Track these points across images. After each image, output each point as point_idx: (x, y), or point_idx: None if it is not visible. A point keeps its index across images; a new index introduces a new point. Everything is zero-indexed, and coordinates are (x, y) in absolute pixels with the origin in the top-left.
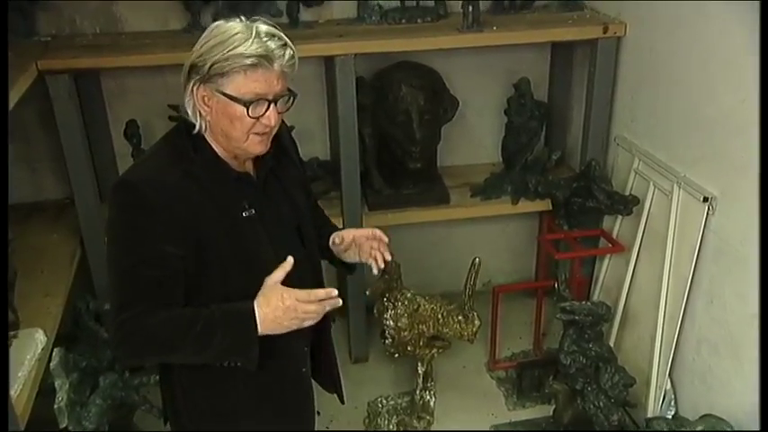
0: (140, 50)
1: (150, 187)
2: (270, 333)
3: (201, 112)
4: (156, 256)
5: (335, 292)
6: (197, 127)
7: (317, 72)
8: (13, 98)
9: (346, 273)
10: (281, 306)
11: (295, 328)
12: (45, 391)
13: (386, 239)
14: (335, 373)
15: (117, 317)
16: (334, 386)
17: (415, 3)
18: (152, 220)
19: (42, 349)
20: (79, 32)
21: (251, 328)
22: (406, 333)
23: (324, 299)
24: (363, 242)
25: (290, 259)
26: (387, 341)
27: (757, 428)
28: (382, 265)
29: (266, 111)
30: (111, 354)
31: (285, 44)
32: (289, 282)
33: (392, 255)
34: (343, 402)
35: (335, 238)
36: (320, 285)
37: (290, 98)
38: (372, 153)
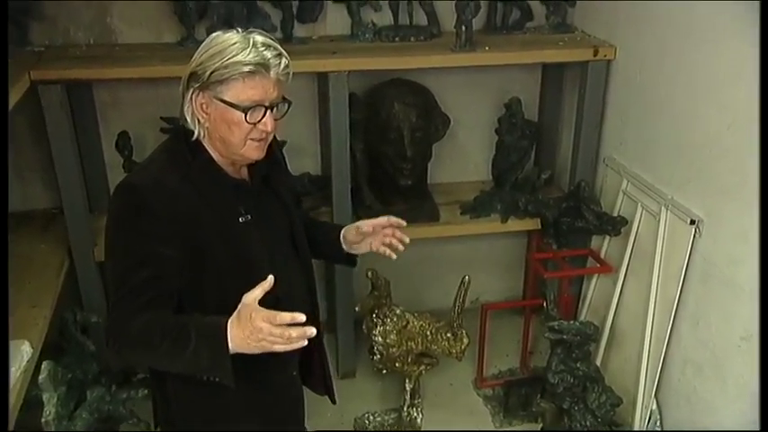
0: (134, 62)
1: (150, 190)
2: (242, 352)
3: (200, 119)
4: (152, 258)
5: (302, 317)
6: (195, 133)
7: (309, 88)
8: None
9: (349, 266)
10: (249, 326)
11: (265, 351)
12: (29, 402)
13: (403, 223)
14: (326, 374)
15: (108, 317)
16: (325, 387)
17: (408, 21)
18: (150, 222)
19: (28, 361)
20: (73, 43)
21: (222, 346)
22: (394, 349)
23: (290, 323)
24: (378, 231)
25: (271, 278)
26: (375, 357)
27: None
28: (401, 248)
29: (263, 117)
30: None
31: (280, 54)
32: (282, 287)
33: (378, 272)
34: (334, 402)
35: (352, 230)
36: (312, 291)
37: (285, 105)
38: (363, 169)
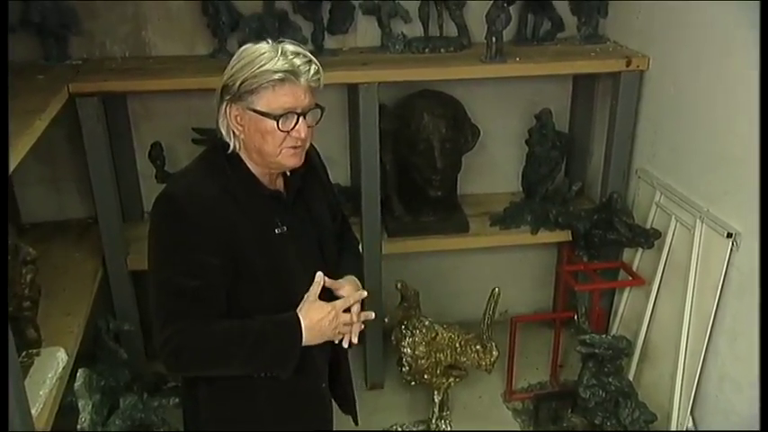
0: (166, 74)
1: (189, 200)
2: (309, 344)
3: (235, 131)
4: (196, 266)
5: (365, 293)
6: (231, 146)
7: (340, 99)
8: (46, 120)
9: None
10: (326, 317)
11: (332, 338)
12: (64, 409)
13: (371, 315)
14: (350, 393)
15: (163, 330)
16: (348, 406)
17: (438, 33)
18: (191, 231)
19: (63, 368)
20: (109, 56)
21: (297, 339)
22: (423, 361)
23: (357, 300)
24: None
25: (320, 274)
26: (404, 369)
27: None
28: (346, 345)
29: (296, 124)
30: (164, 367)
31: (310, 60)
32: (307, 293)
33: (407, 283)
34: (357, 424)
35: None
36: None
37: (318, 111)
38: (393, 180)
